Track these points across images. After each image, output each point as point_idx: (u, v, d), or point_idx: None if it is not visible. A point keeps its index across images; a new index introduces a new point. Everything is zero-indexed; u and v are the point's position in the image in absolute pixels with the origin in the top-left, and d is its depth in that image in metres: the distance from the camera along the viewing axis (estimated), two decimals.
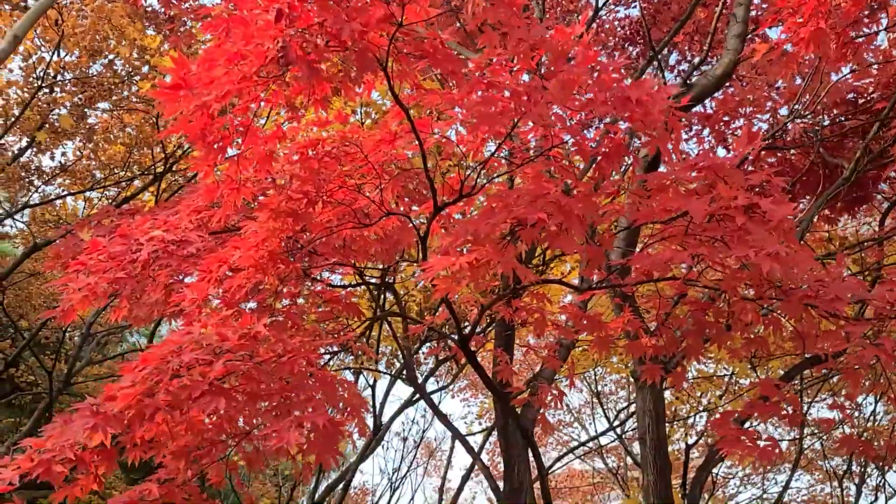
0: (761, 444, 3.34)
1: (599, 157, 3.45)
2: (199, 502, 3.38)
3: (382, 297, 6.99)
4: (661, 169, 5.97)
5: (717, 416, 3.58)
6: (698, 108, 7.75)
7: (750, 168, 7.66)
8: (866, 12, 5.81)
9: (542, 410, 4.92)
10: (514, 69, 3.31)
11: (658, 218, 3.23)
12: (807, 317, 3.21)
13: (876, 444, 11.34)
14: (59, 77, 8.81)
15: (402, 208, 4.18)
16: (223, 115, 3.24)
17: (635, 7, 9.63)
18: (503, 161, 4.08)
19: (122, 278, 3.74)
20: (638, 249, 5.25)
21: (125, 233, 3.96)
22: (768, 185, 3.10)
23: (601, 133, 3.67)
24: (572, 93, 3.16)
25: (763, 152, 7.55)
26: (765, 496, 15.18)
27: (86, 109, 9.19)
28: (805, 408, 10.73)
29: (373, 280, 5.50)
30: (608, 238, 3.61)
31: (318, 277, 4.27)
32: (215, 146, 3.33)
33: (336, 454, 3.12)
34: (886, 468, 12.14)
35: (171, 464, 3.28)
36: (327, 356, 3.99)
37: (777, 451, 3.30)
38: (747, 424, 10.15)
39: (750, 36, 8.07)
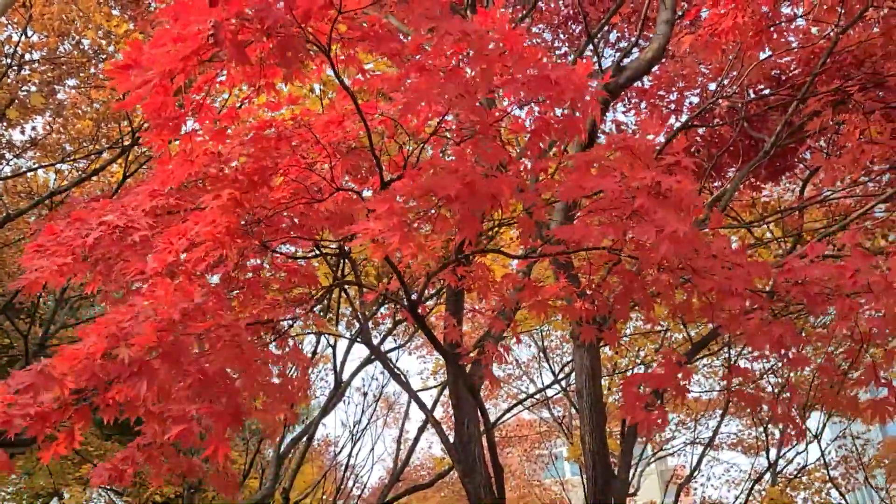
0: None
1: (529, 135, 3.57)
2: (177, 462, 3.47)
3: (341, 265, 7.07)
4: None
5: (625, 379, 3.66)
6: (636, 84, 7.91)
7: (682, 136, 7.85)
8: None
9: (486, 366, 5.05)
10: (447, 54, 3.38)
11: (583, 194, 3.34)
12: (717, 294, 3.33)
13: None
14: (27, 56, 8.68)
15: (354, 185, 4.25)
16: (177, 94, 3.29)
17: None
18: (446, 138, 4.16)
19: (69, 264, 3.67)
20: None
21: (80, 217, 3.87)
22: (677, 167, 3.20)
23: (531, 113, 3.76)
24: (492, 78, 3.25)
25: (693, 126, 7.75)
26: (697, 440, 15.65)
27: (55, 86, 9.07)
28: (734, 358, 11.09)
29: (330, 250, 5.57)
30: (541, 210, 3.70)
31: (277, 251, 4.34)
32: (170, 123, 3.40)
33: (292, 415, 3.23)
34: (807, 414, 12.59)
35: (147, 429, 3.36)
36: (287, 323, 4.07)
37: (661, 421, 3.42)
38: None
39: (682, 16, 8.23)
